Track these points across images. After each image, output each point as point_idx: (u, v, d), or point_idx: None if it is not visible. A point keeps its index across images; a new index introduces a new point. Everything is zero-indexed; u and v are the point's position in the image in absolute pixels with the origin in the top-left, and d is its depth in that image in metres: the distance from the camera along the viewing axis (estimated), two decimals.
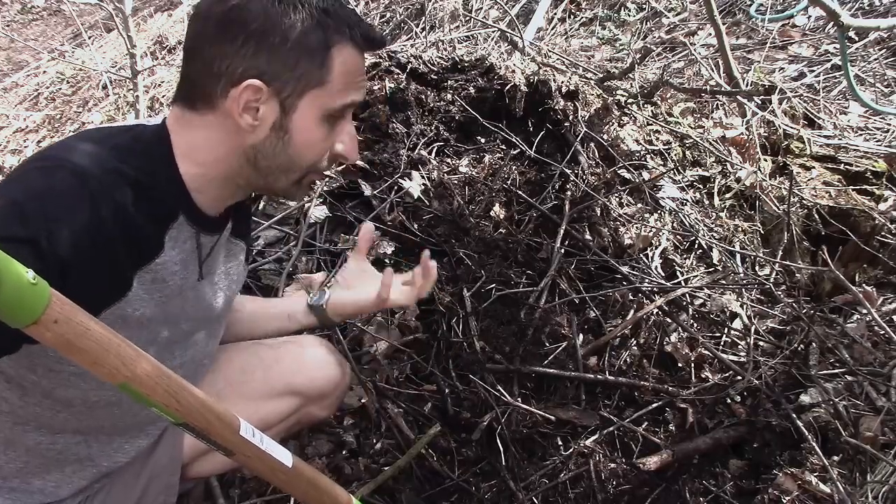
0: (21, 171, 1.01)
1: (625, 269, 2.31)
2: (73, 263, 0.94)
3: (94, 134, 1.10)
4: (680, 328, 2.19)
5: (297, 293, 1.89)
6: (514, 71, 2.66)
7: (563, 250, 2.31)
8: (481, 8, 4.61)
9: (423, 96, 2.55)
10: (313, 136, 1.11)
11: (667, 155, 2.76)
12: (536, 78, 2.63)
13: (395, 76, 2.56)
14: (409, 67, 2.60)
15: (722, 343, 2.20)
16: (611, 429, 1.94)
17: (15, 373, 1.07)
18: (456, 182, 2.40)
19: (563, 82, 2.70)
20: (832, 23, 3.16)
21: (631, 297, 2.26)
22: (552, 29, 4.55)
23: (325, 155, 1.15)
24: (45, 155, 1.03)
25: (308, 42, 1.05)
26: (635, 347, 2.17)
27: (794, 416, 1.84)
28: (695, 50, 3.66)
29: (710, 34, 3.78)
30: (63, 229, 0.93)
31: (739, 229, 2.60)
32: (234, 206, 1.26)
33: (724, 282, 2.37)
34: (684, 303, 2.27)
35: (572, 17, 4.68)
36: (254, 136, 1.09)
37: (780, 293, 2.37)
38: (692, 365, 2.12)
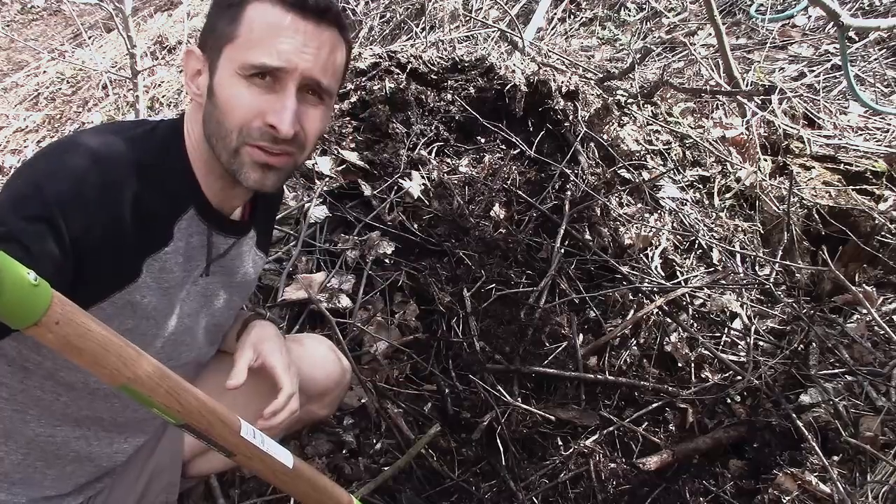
0: (40, 155, 1.04)
1: (625, 269, 2.31)
2: (86, 243, 0.97)
3: (113, 126, 1.14)
4: (680, 328, 2.19)
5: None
6: (514, 71, 2.66)
7: (563, 250, 2.31)
8: (481, 8, 4.61)
9: (423, 96, 2.55)
10: (230, 94, 1.06)
11: (667, 155, 2.76)
12: (536, 78, 2.63)
13: (395, 76, 2.56)
14: (409, 67, 2.60)
15: (722, 343, 2.20)
16: (611, 429, 1.94)
17: (18, 354, 1.09)
18: (456, 182, 2.40)
19: (563, 82, 2.70)
20: (832, 23, 3.16)
21: (631, 297, 2.26)
22: (552, 29, 4.55)
23: (253, 121, 1.07)
24: (65, 141, 1.06)
25: (228, 2, 1.08)
26: (635, 347, 2.17)
27: (794, 416, 1.84)
28: (695, 50, 3.66)
29: (710, 34, 3.78)
30: (78, 210, 0.96)
31: (739, 229, 2.60)
32: (259, 213, 1.28)
33: (724, 282, 2.37)
34: (684, 303, 2.27)
35: (572, 17, 4.68)
36: (203, 108, 1.11)
37: (780, 293, 2.37)
38: (692, 365, 2.12)
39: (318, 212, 2.25)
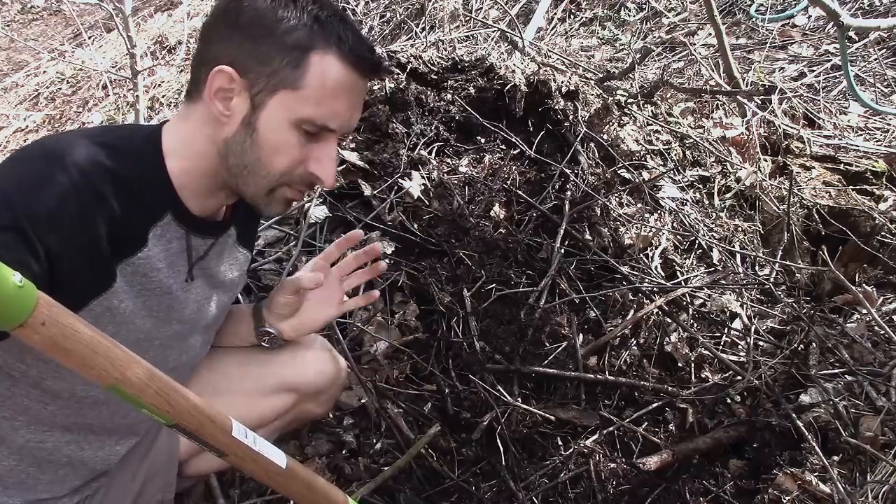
0: (8, 161, 1.03)
1: (625, 269, 2.31)
2: (57, 250, 0.95)
3: (87, 131, 1.12)
4: (680, 328, 2.19)
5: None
6: (514, 71, 2.66)
7: (563, 250, 2.30)
8: (481, 8, 4.61)
9: (423, 96, 2.55)
10: (280, 141, 1.07)
11: (667, 155, 2.76)
12: (536, 78, 2.63)
13: (395, 76, 2.56)
14: (409, 67, 2.60)
15: (722, 343, 2.20)
16: (611, 429, 1.94)
17: (3, 362, 1.08)
18: (456, 182, 2.40)
19: (563, 82, 2.70)
20: (832, 23, 3.16)
21: (631, 297, 2.26)
22: (552, 29, 4.55)
23: (297, 168, 1.10)
24: (34, 147, 1.05)
25: (287, 40, 1.04)
26: (635, 347, 2.17)
27: (794, 416, 1.84)
28: (695, 50, 3.66)
29: (710, 34, 3.78)
30: (46, 217, 0.95)
31: (739, 229, 2.60)
32: (241, 211, 1.26)
33: (724, 282, 2.37)
34: (684, 303, 2.27)
35: (572, 17, 4.68)
36: (227, 128, 1.09)
37: (780, 293, 2.37)
38: (692, 365, 2.12)
39: (318, 212, 2.25)
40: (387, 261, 2.17)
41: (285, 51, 1.04)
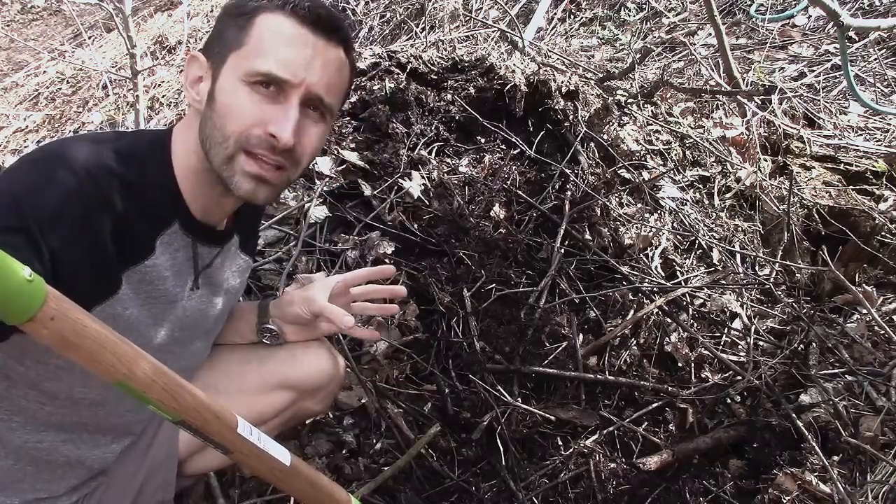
0: (18, 164, 1.03)
1: (625, 269, 2.31)
2: (63, 255, 0.95)
3: (96, 135, 1.12)
4: (680, 328, 2.19)
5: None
6: (514, 71, 2.66)
7: (563, 250, 2.31)
8: (481, 8, 4.61)
9: (423, 96, 2.55)
10: (232, 101, 1.06)
11: (667, 155, 2.76)
12: (536, 78, 2.63)
13: (395, 76, 2.56)
14: (409, 67, 2.60)
15: (722, 343, 2.20)
16: (611, 429, 1.94)
17: (2, 363, 1.08)
18: (456, 182, 2.40)
19: (563, 82, 2.70)
20: (832, 23, 3.16)
21: (631, 297, 2.26)
22: (552, 29, 4.55)
23: (253, 130, 1.06)
24: (43, 150, 1.05)
25: (239, 11, 1.09)
26: (635, 347, 2.17)
27: (794, 416, 1.84)
28: (695, 50, 3.66)
29: (710, 34, 3.78)
30: (53, 221, 0.95)
31: (739, 229, 2.60)
32: (242, 219, 1.27)
33: (724, 282, 2.37)
34: (684, 303, 2.27)
35: (572, 17, 4.68)
36: (201, 113, 1.10)
37: (780, 293, 2.37)
38: (692, 365, 2.12)
39: (318, 212, 2.25)
40: (387, 261, 2.17)
41: (234, 19, 1.09)
